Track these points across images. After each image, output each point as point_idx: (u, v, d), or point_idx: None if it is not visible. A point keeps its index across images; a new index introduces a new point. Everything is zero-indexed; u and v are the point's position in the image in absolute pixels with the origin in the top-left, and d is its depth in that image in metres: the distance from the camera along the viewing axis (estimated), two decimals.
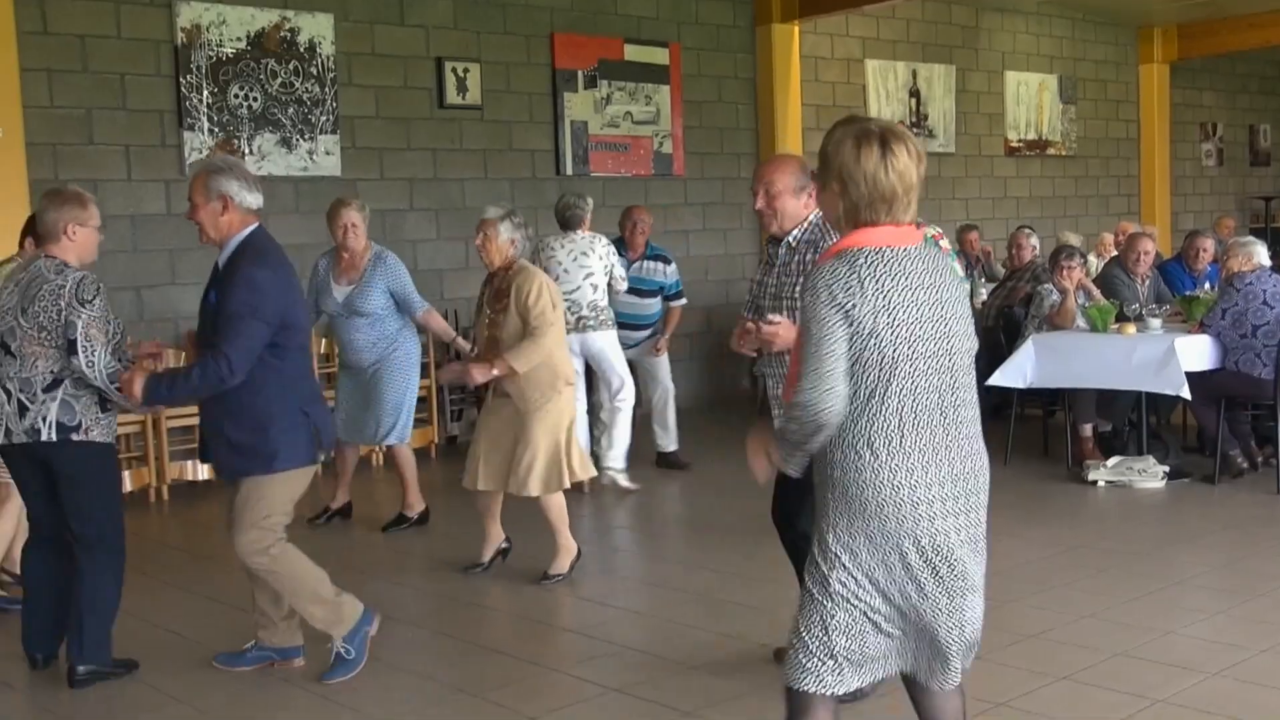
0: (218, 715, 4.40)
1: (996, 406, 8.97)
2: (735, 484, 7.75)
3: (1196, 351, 7.51)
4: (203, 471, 7.88)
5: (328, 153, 9.42)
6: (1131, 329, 7.78)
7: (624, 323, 8.10)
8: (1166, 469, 7.59)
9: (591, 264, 7.79)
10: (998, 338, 9.03)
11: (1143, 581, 5.61)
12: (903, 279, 2.84)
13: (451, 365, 6.10)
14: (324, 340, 8.65)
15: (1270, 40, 14.82)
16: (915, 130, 13.56)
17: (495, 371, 5.65)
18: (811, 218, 4.33)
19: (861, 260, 2.83)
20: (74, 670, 4.62)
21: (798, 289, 4.24)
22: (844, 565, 2.89)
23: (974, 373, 2.98)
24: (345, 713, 4.38)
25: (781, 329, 4.17)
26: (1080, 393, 7.98)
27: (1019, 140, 14.74)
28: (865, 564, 2.88)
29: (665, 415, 8.54)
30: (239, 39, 8.99)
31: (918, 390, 2.83)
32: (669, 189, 11.51)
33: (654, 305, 8.52)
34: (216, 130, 8.90)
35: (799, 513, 4.31)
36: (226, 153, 8.90)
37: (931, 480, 2.85)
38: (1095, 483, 7.57)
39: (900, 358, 2.81)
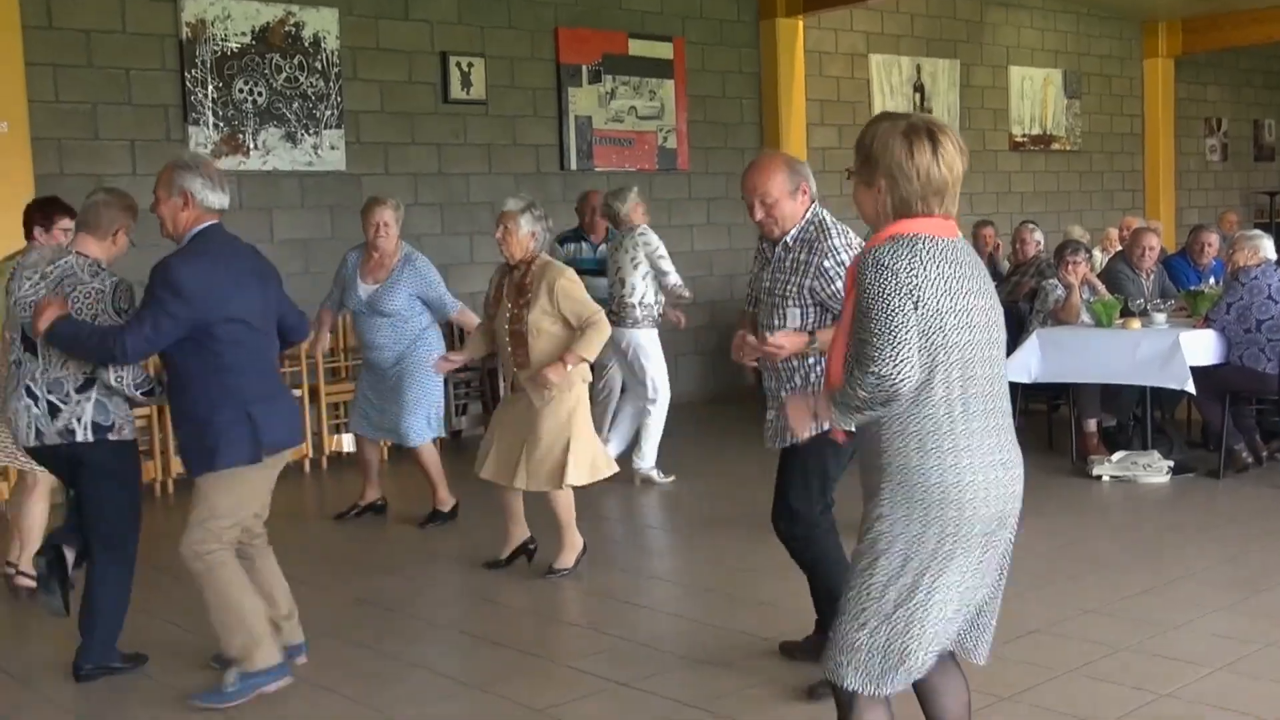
0: (222, 709, 4.41)
1: None
2: (741, 479, 7.78)
3: (1201, 346, 7.51)
4: None
5: (332, 147, 9.43)
6: (1136, 324, 7.78)
7: None
8: (1171, 464, 7.59)
9: (621, 261, 7.82)
10: None
11: (1147, 576, 5.62)
12: (958, 267, 2.88)
13: (534, 380, 5.71)
14: (329, 336, 8.63)
15: (1275, 35, 14.78)
16: None
17: (570, 367, 5.62)
18: (808, 214, 4.31)
19: (921, 245, 2.85)
20: (79, 667, 4.65)
21: (790, 286, 4.25)
22: (904, 555, 2.87)
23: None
24: (352, 706, 4.39)
25: (787, 342, 4.19)
26: (1085, 387, 7.99)
27: (1023, 135, 14.73)
28: (926, 551, 2.86)
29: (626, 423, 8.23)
30: (243, 33, 8.99)
31: (976, 378, 2.87)
32: (673, 183, 11.51)
33: None
34: (221, 125, 8.90)
35: (797, 511, 4.34)
36: (231, 148, 8.91)
37: (988, 464, 2.87)
38: (1100, 478, 7.58)
39: (963, 343, 2.85)
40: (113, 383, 4.47)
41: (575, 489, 5.89)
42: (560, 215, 10.72)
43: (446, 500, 7.03)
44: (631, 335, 7.74)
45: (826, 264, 4.19)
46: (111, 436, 4.56)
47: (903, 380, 2.78)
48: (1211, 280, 9.13)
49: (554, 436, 5.70)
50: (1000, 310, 3.00)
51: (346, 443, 8.93)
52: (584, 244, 8.58)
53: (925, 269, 2.82)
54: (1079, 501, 7.20)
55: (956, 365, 2.85)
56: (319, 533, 7.06)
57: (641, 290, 7.76)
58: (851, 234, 4.31)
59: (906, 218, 2.90)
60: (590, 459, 5.83)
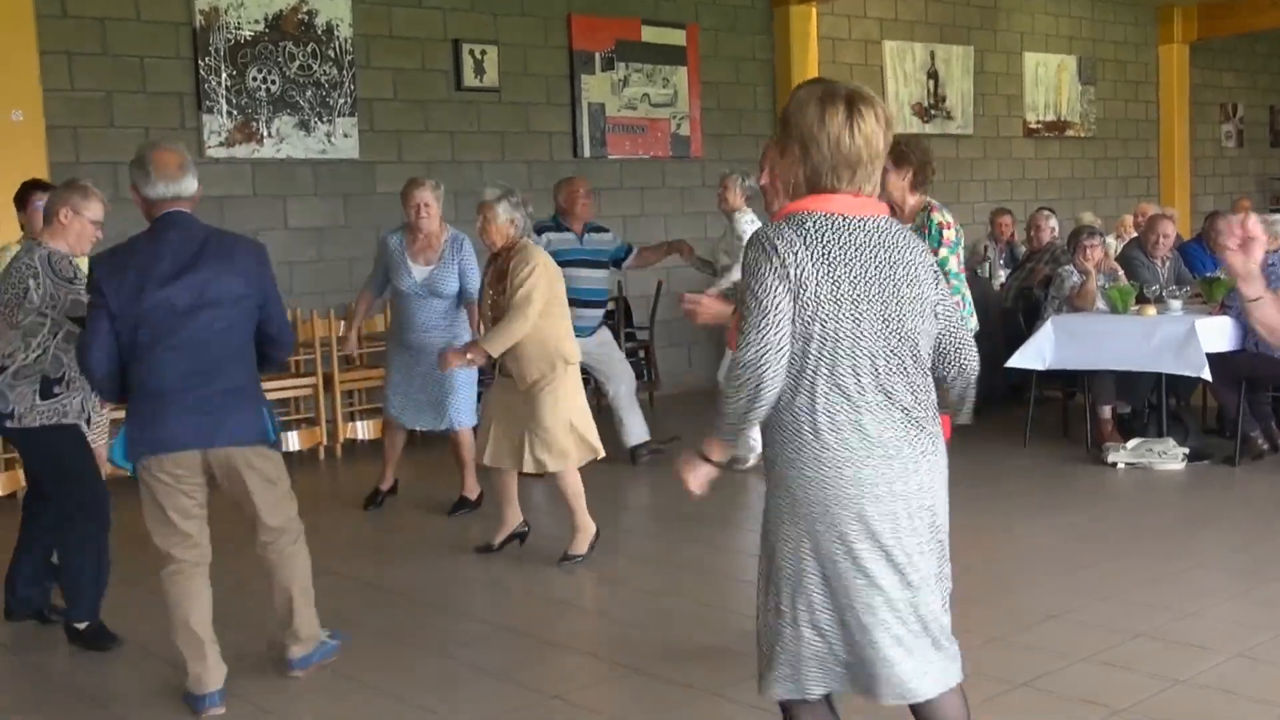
0: (241, 691, 4.43)
1: (1016, 388, 8.96)
2: (752, 468, 7.76)
3: (1217, 333, 7.49)
4: None
5: (346, 135, 9.43)
6: (1152, 310, 7.75)
7: (578, 300, 7.19)
8: (1186, 451, 7.57)
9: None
10: (1016, 319, 9.01)
11: (1163, 563, 5.61)
12: (851, 249, 2.69)
13: (448, 356, 5.83)
14: (341, 323, 8.65)
15: None
16: (933, 112, 13.52)
17: (469, 357, 5.68)
18: None
19: (810, 224, 2.69)
20: (71, 627, 4.89)
21: None
22: (787, 556, 2.76)
23: (926, 359, 2.83)
24: (371, 693, 4.41)
25: (703, 303, 4.12)
26: (1100, 374, 7.96)
27: (1038, 121, 14.67)
28: (808, 554, 2.74)
29: (631, 407, 8.19)
30: (257, 21, 8.99)
31: (860, 368, 2.68)
32: (686, 171, 11.50)
33: (605, 279, 8.18)
34: (235, 113, 8.91)
35: None
36: (245, 136, 8.93)
37: (871, 461, 2.68)
38: (1115, 465, 7.56)
39: (843, 333, 2.66)
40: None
41: (597, 475, 5.90)
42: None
43: (474, 489, 7.02)
44: None
45: None
46: (10, 424, 4.77)
47: (767, 368, 2.63)
48: None
49: (557, 419, 5.70)
50: (922, 293, 2.78)
51: (360, 430, 8.95)
52: (567, 233, 8.09)
53: (809, 251, 2.66)
54: (1094, 488, 7.19)
55: (844, 355, 2.67)
56: (336, 520, 7.07)
57: None
58: None
59: (816, 192, 2.74)
60: (589, 439, 5.83)
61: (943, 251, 5.77)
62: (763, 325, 2.63)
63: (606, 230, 8.43)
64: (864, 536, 2.70)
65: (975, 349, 2.96)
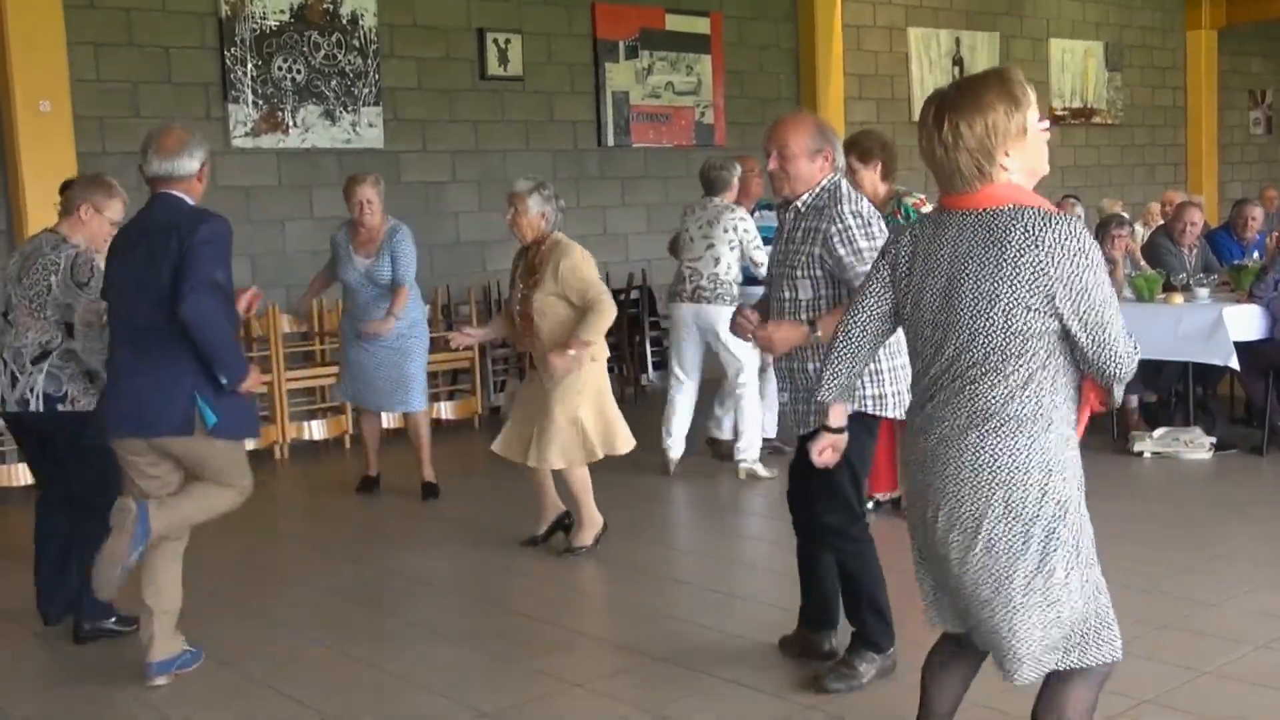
0: (250, 673, 4.45)
1: None
2: (776, 460, 7.75)
3: (1245, 321, 7.43)
4: None
5: (370, 125, 9.45)
6: (1178, 298, 7.70)
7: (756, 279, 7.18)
8: (1213, 440, 7.53)
9: (715, 234, 7.36)
10: None
11: (1189, 553, 5.58)
12: None
13: (543, 367, 5.69)
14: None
15: None
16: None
17: (572, 352, 5.52)
18: (824, 182, 4.12)
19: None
20: (80, 627, 4.84)
21: (801, 256, 4.07)
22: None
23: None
24: (389, 679, 4.43)
25: (778, 336, 4.04)
26: None
27: (1064, 108, 14.59)
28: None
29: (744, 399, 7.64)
30: (282, 11, 9.02)
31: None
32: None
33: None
34: (260, 103, 8.94)
35: (816, 498, 4.16)
36: (270, 126, 8.95)
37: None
38: (1141, 454, 7.52)
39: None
40: (81, 353, 4.73)
41: (606, 470, 5.87)
42: (598, 191, 10.77)
43: (430, 473, 7.15)
44: (717, 312, 7.24)
45: (832, 230, 4.01)
46: (62, 408, 4.74)
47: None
48: (1255, 254, 9.03)
49: (565, 414, 5.67)
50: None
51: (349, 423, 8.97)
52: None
53: None
54: (1120, 478, 7.15)
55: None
56: (336, 505, 7.11)
57: (729, 267, 7.36)
58: (865, 203, 4.12)
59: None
60: (601, 436, 5.77)
61: None
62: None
63: (771, 208, 7.92)
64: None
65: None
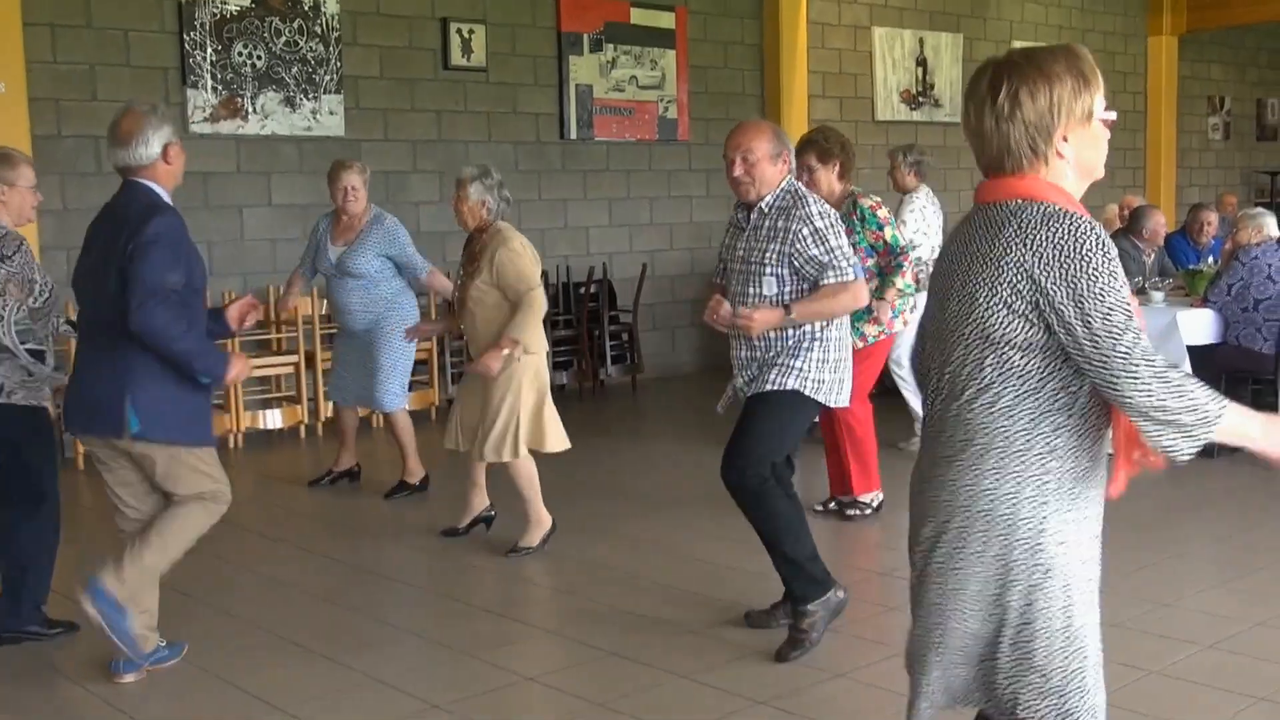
0: (211, 666, 4.41)
1: None
2: None
3: (1198, 325, 7.51)
4: None
5: (331, 113, 9.39)
6: (1134, 302, 7.75)
7: None
8: None
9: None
10: None
11: (1139, 554, 5.63)
12: None
13: (473, 366, 5.69)
14: (324, 301, 8.63)
15: None
16: (921, 99, 13.51)
17: (506, 352, 5.46)
18: (784, 184, 4.39)
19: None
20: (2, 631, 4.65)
21: (768, 254, 4.34)
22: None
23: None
24: (346, 672, 4.40)
25: (759, 317, 4.29)
26: None
27: None
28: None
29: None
30: None
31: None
32: (673, 154, 11.47)
33: None
34: (220, 88, 8.86)
35: (740, 465, 4.37)
36: (229, 112, 8.87)
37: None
38: None
39: None
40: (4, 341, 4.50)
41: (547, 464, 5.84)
42: (560, 184, 10.75)
43: (416, 471, 7.00)
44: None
45: (805, 231, 4.28)
46: None
47: None
48: (1210, 259, 9.12)
49: (507, 408, 5.59)
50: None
51: None
52: None
53: None
54: None
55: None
56: (303, 498, 7.06)
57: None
58: (826, 204, 4.41)
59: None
60: (530, 432, 5.68)
61: (888, 231, 6.04)
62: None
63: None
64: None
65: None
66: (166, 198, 4.20)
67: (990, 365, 2.34)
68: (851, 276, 4.33)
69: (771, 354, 4.41)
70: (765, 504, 4.38)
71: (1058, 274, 2.26)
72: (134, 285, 3.96)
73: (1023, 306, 2.28)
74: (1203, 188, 16.80)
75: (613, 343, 10.60)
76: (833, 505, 6.31)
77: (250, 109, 9.01)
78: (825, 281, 4.31)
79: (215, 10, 8.81)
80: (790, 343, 4.37)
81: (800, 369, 4.37)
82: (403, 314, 6.85)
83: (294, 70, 9.18)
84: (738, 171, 4.35)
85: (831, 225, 4.34)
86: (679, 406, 9.89)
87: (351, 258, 6.73)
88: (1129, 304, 2.32)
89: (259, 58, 9.03)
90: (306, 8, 9.23)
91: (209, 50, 8.80)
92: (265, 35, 9.05)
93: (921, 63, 13.53)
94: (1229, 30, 16.59)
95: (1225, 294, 7.54)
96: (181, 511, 4.27)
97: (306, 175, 9.26)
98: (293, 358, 8.76)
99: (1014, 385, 2.34)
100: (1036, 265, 2.26)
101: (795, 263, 4.31)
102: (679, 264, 11.50)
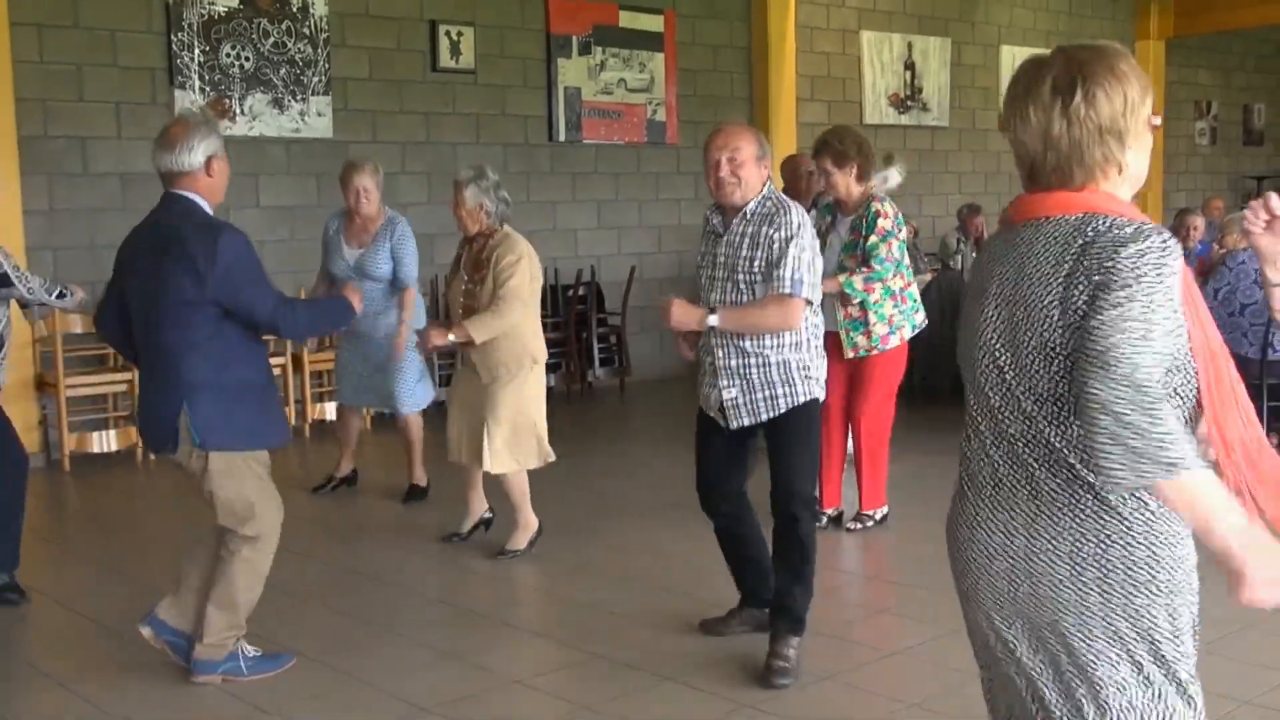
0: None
1: None
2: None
3: None
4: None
5: (319, 114, 9.37)
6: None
7: None
8: None
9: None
10: None
11: None
12: None
13: (428, 333, 5.68)
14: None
15: (1268, 18, 14.78)
16: (910, 103, 13.53)
17: (452, 337, 5.46)
18: (765, 190, 4.27)
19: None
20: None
21: (754, 262, 4.20)
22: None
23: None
24: (333, 674, 4.39)
25: (679, 314, 4.19)
26: None
27: None
28: None
29: None
30: None
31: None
32: (661, 157, 11.48)
33: None
34: (208, 89, 8.84)
35: (800, 494, 4.24)
36: (217, 113, 8.85)
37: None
38: None
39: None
40: (25, 294, 5.14)
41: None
42: (548, 186, 10.75)
43: (422, 476, 6.97)
44: None
45: (778, 237, 4.16)
46: None
47: None
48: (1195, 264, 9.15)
49: (504, 418, 5.56)
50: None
51: (328, 411, 8.91)
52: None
53: None
54: None
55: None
56: (301, 502, 7.04)
57: None
58: (807, 215, 4.28)
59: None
60: (543, 443, 5.70)
61: (872, 239, 5.81)
62: None
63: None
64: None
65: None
66: (209, 210, 4.17)
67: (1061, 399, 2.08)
68: (789, 291, 4.13)
69: (765, 364, 4.26)
70: (810, 528, 4.31)
71: (1104, 283, 1.98)
72: (255, 308, 4.08)
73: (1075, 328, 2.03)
74: (1190, 192, 16.86)
75: (601, 345, 10.60)
76: (830, 515, 6.16)
77: (238, 110, 8.99)
78: (768, 290, 4.17)
79: (203, 11, 8.80)
80: (781, 358, 4.25)
81: (812, 376, 4.31)
82: (419, 317, 6.80)
83: (282, 71, 9.17)
84: (723, 172, 4.20)
85: (804, 239, 4.17)
86: (667, 409, 9.89)
87: (371, 260, 6.63)
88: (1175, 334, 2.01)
89: (247, 59, 9.01)
90: (295, 9, 9.22)
91: (197, 51, 8.78)
92: (253, 36, 9.03)
93: (910, 66, 13.56)
94: (1216, 35, 16.65)
95: (1212, 299, 7.55)
96: (233, 564, 4.28)
97: (294, 177, 9.24)
98: (279, 360, 8.74)
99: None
100: (1095, 278, 1.99)
101: (765, 269, 4.20)
102: (667, 266, 11.51)
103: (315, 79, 9.34)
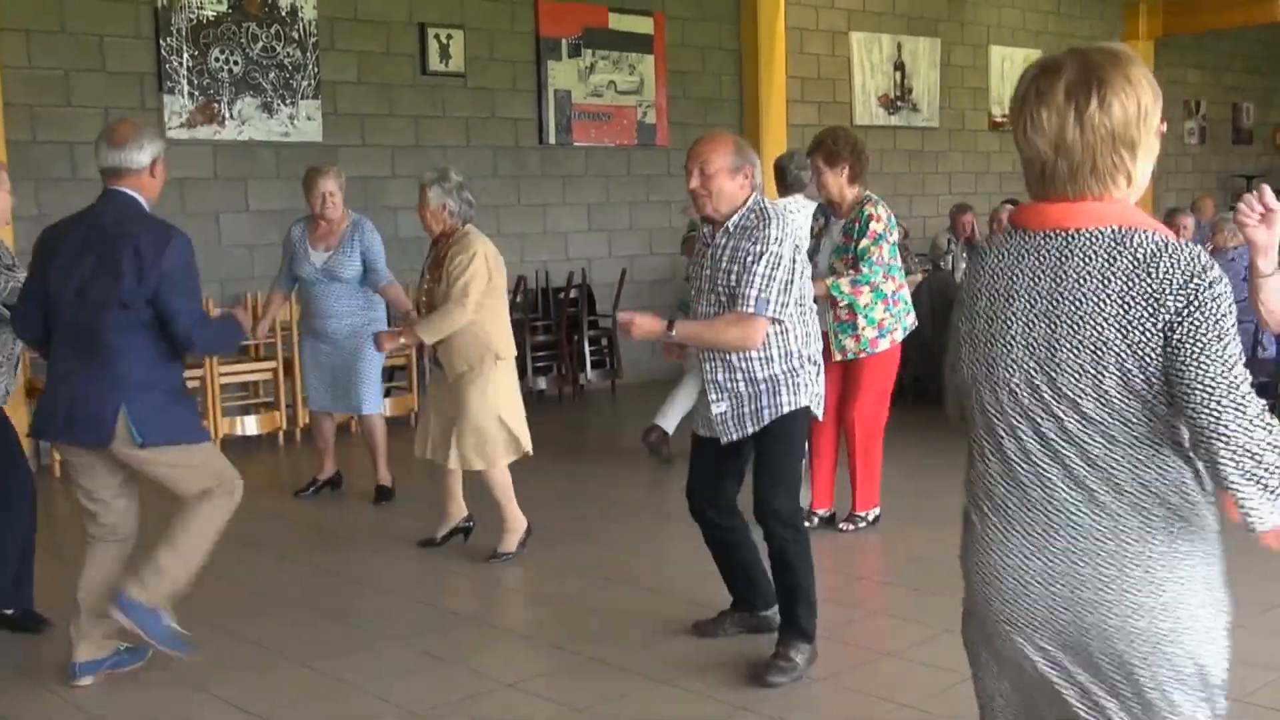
0: (179, 673, 4.39)
1: None
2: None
3: None
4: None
5: (309, 118, 9.36)
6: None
7: None
8: None
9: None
10: None
11: None
12: None
13: (378, 336, 5.76)
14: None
15: (1255, 18, 14.82)
16: (899, 104, 13.55)
17: (402, 340, 5.56)
18: (749, 202, 4.16)
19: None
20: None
21: (730, 275, 4.11)
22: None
23: None
24: (323, 678, 4.38)
25: (638, 321, 4.09)
26: None
27: (1003, 115, 14.71)
28: None
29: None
30: (220, 2, 8.90)
31: None
32: (651, 159, 11.48)
33: None
34: (196, 94, 8.83)
35: (781, 513, 4.20)
36: (206, 118, 8.84)
37: None
38: None
39: None
40: None
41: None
42: (539, 189, 10.74)
43: (387, 477, 6.99)
44: None
45: (754, 250, 4.06)
46: None
47: None
48: None
49: (483, 414, 5.55)
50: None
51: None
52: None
53: None
54: None
55: None
56: (289, 506, 7.03)
57: None
58: (788, 230, 4.13)
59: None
60: (517, 436, 5.68)
61: (864, 242, 5.78)
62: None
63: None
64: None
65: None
66: (149, 210, 4.21)
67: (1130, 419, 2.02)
68: (752, 310, 4.04)
69: (752, 379, 4.21)
70: (799, 549, 4.24)
71: (1187, 312, 1.93)
72: (177, 314, 4.09)
73: (1152, 351, 1.97)
74: (1179, 191, 16.89)
75: (592, 348, 10.60)
76: (822, 516, 6.16)
77: (227, 115, 8.97)
78: (735, 306, 4.08)
79: (192, 16, 8.78)
80: (770, 373, 4.19)
81: (803, 386, 4.24)
82: (380, 318, 6.87)
83: (271, 76, 9.15)
84: (694, 184, 4.13)
85: (778, 254, 4.05)
86: (658, 412, 9.87)
87: (339, 262, 6.69)
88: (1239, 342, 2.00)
89: (236, 63, 9.00)
90: (284, 13, 9.21)
91: (185, 56, 8.76)
92: (242, 41, 9.02)
93: (899, 67, 13.57)
94: (1204, 35, 16.70)
95: None
96: (190, 515, 4.27)
97: (284, 181, 9.22)
98: (271, 364, 8.72)
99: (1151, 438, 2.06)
100: (1166, 304, 1.94)
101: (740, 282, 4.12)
102: (658, 269, 11.51)
103: (304, 83, 9.32)
